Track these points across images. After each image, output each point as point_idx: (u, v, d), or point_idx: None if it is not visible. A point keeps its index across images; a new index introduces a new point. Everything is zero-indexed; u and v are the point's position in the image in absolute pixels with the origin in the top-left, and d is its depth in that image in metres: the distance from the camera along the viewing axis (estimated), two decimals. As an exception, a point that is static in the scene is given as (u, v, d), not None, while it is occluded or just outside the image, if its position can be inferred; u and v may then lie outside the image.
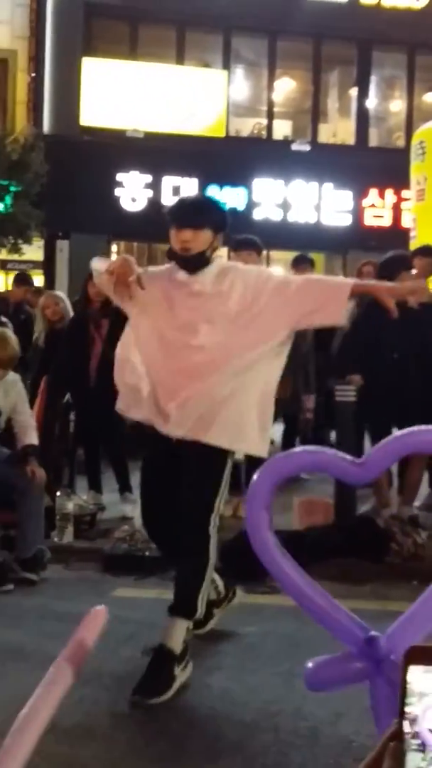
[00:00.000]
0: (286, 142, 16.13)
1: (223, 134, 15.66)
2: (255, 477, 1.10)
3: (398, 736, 0.85)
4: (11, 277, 16.53)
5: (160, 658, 3.27)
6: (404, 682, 0.87)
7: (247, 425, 3.37)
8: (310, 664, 1.09)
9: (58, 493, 5.19)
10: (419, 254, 6.44)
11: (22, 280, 9.08)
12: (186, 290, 3.42)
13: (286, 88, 17.03)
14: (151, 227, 14.29)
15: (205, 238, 3.39)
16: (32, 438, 4.88)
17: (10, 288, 9.89)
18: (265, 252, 6.46)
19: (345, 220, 15.47)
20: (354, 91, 16.64)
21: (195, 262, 3.42)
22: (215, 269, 3.47)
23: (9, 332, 4.87)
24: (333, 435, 7.61)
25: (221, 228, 3.48)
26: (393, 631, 1.03)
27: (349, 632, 1.06)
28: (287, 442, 7.21)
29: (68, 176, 13.86)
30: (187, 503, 3.34)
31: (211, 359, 3.36)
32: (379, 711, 1.01)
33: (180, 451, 3.37)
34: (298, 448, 1.03)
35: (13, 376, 4.87)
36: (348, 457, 1.31)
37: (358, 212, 15.50)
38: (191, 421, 3.34)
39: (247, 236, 5.47)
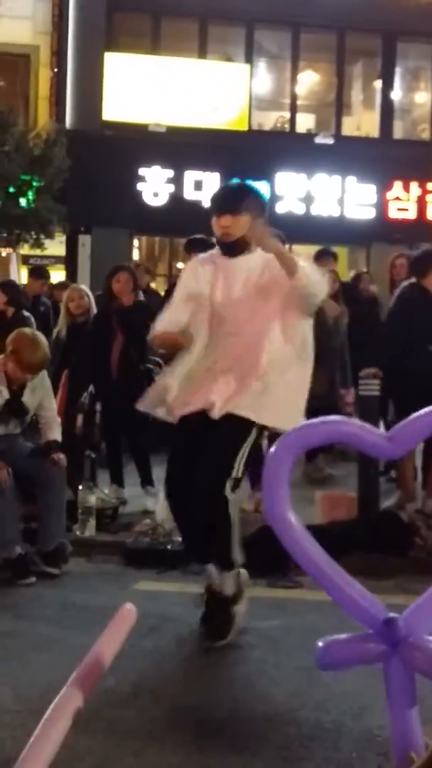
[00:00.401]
0: (309, 136, 16.06)
1: (245, 128, 15.62)
2: (275, 446, 1.05)
3: None
4: (34, 271, 16.61)
5: (217, 604, 3.62)
6: None
7: (280, 402, 3.55)
8: (320, 643, 1.06)
9: (80, 487, 5.20)
10: None
11: (38, 273, 9.15)
12: (229, 275, 3.65)
13: (309, 80, 16.94)
14: (173, 222, 14.33)
15: (244, 223, 3.60)
16: (56, 434, 4.92)
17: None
18: (288, 246, 6.41)
19: (369, 213, 15.36)
20: (378, 83, 16.52)
21: (236, 247, 3.64)
22: (258, 257, 3.65)
23: (40, 335, 4.88)
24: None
25: (260, 213, 3.68)
26: (411, 612, 1.00)
27: (365, 612, 1.03)
28: None
29: (90, 171, 13.89)
30: (204, 466, 3.53)
31: (248, 344, 3.58)
32: (393, 695, 0.98)
33: (211, 425, 3.59)
34: (321, 418, 0.99)
35: (41, 373, 4.90)
36: (375, 429, 1.27)
37: (382, 205, 15.38)
38: (228, 402, 3.55)
39: (270, 229, 5.45)
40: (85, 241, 14.76)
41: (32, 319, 6.93)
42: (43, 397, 4.89)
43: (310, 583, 4.42)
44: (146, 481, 6.01)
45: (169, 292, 7.37)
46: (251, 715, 3.05)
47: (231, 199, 3.68)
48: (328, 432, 1.15)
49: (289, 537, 1.11)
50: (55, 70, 15.54)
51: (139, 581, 4.54)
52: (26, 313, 6.97)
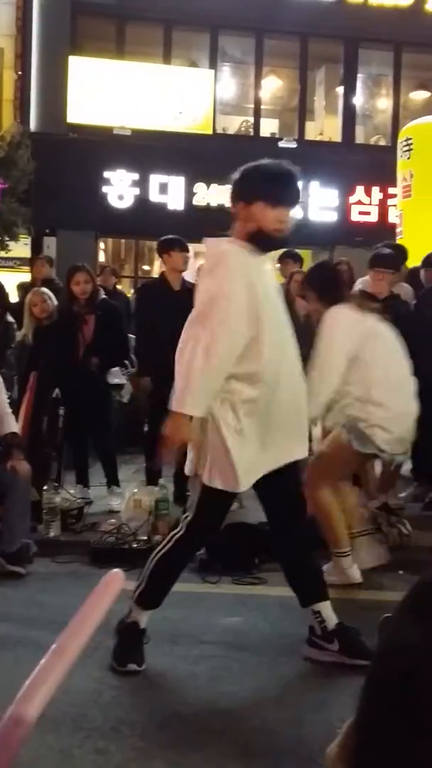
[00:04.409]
0: (273, 140, 16.14)
1: (210, 132, 15.67)
2: None
3: None
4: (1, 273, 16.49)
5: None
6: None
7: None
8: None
9: (45, 487, 5.20)
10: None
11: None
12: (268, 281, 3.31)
13: (272, 86, 17.03)
14: (138, 224, 14.32)
15: None
16: (11, 425, 4.88)
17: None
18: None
19: (332, 217, 15.51)
20: (340, 89, 16.67)
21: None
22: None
23: None
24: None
25: None
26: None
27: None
28: None
29: (55, 173, 13.83)
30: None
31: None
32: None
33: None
34: None
35: None
36: None
37: (345, 209, 15.54)
38: None
39: None
40: (50, 243, 14.68)
41: (15, 325, 6.85)
42: None
43: (273, 579, 4.48)
44: (112, 481, 6.02)
45: (141, 291, 7.31)
46: (214, 710, 3.08)
47: (299, 194, 3.29)
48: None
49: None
50: (20, 72, 15.46)
51: (104, 580, 4.54)
52: (10, 318, 6.81)
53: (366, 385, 4.06)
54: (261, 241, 3.12)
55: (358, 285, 6.38)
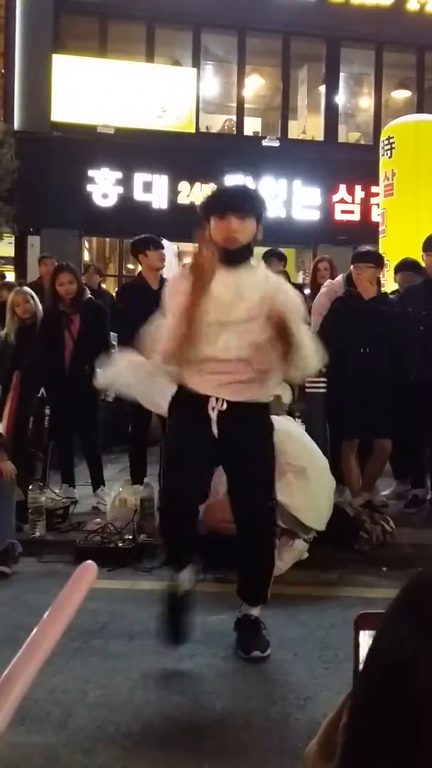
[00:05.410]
0: (256, 138, 16.17)
1: (193, 130, 15.66)
2: None
3: None
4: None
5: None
6: (357, 646, 0.93)
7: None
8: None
9: (30, 487, 5.19)
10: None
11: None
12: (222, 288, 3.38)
13: (255, 84, 17.04)
14: (122, 223, 14.29)
15: (251, 229, 3.39)
16: None
17: None
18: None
19: (315, 215, 15.55)
20: (323, 88, 16.70)
21: (239, 256, 3.38)
22: (261, 274, 3.47)
23: None
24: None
25: (261, 220, 3.43)
26: None
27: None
28: None
29: (39, 172, 13.79)
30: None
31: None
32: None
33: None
34: None
35: None
36: None
37: (328, 207, 15.58)
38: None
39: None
40: (33, 242, 14.63)
41: None
42: None
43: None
44: (97, 480, 6.03)
45: (121, 293, 7.32)
46: (199, 708, 3.10)
47: (240, 199, 3.39)
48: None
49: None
50: (2, 71, 15.40)
51: (90, 580, 4.55)
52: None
53: None
54: (220, 254, 3.32)
55: (324, 288, 6.45)
